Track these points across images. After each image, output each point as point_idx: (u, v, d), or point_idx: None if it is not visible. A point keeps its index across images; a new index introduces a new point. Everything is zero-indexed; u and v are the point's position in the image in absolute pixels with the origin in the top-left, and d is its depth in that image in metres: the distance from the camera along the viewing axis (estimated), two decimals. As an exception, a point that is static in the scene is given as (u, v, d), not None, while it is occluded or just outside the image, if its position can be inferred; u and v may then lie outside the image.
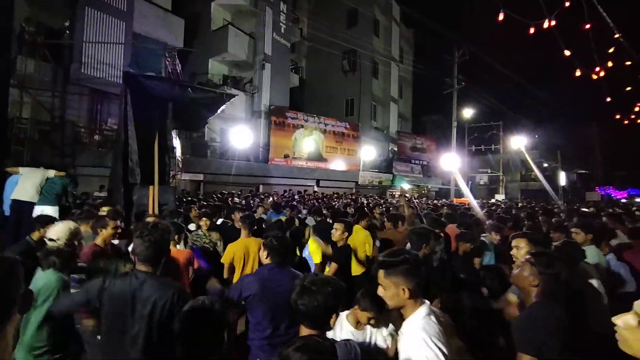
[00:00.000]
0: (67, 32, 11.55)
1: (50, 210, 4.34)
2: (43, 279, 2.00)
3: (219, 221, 4.73)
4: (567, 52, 7.79)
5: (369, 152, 20.99)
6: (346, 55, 21.24)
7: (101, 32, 11.49)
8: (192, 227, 4.61)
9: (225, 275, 3.27)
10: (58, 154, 9.99)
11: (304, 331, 1.35)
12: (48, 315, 1.93)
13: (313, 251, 3.56)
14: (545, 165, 30.54)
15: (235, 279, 3.06)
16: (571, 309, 1.67)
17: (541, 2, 6.56)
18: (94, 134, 11.84)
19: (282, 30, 18.03)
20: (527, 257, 1.78)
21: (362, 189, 19.99)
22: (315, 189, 17.19)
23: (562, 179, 27.70)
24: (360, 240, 4.00)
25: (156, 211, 4.40)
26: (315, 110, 20.35)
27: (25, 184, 4.64)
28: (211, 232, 4.06)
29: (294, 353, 0.95)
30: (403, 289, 1.38)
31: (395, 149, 23.85)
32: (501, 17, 6.82)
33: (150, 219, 2.88)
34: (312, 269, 3.61)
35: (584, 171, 34.58)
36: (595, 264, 3.01)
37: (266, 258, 2.26)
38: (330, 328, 1.42)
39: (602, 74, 8.71)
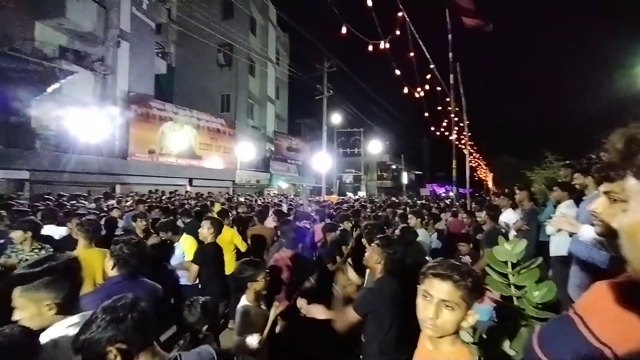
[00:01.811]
0: None
1: None
2: None
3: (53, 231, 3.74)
4: (397, 72, 9.74)
5: (246, 150, 20.74)
6: (221, 48, 20.30)
7: None
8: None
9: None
10: None
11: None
12: None
13: (188, 247, 3.41)
14: (394, 167, 37.46)
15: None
16: (409, 281, 2.14)
17: (377, 26, 7.93)
18: None
19: (144, 6, 15.74)
20: (375, 241, 2.22)
21: (239, 188, 19.57)
22: (188, 188, 15.79)
23: (405, 178, 34.50)
24: (227, 239, 4.01)
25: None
26: (187, 103, 18.66)
27: None
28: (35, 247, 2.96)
29: None
30: (48, 305, 1.19)
31: (272, 149, 24.39)
32: (344, 30, 7.81)
33: None
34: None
35: (419, 172, 44.34)
36: (424, 242, 3.99)
37: (112, 269, 1.91)
38: None
39: (422, 93, 11.34)
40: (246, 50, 21.04)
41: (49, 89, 4.38)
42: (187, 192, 13.99)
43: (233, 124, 20.15)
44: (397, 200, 14.38)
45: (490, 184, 36.98)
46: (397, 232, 3.71)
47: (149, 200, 8.65)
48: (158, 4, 17.97)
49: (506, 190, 7.92)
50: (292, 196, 17.05)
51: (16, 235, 2.92)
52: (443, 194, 34.27)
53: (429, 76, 11.30)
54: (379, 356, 1.92)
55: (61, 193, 8.80)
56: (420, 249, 3.56)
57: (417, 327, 1.11)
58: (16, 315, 1.21)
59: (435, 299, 1.02)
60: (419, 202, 13.31)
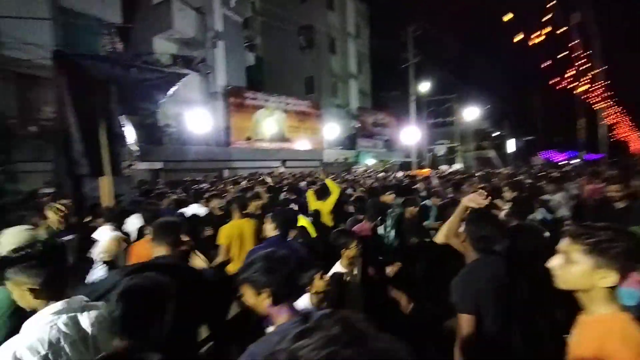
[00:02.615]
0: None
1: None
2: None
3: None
4: (505, 18, 8.13)
5: (332, 129, 21.04)
6: (302, 31, 20.61)
7: (21, 7, 10.05)
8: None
9: (223, 258, 3.22)
10: (-13, 150, 8.88)
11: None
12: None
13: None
14: (496, 134, 32.81)
15: (233, 261, 3.17)
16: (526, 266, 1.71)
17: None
18: (28, 125, 10.60)
19: (233, 5, 16.97)
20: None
21: (328, 166, 20.16)
22: (282, 169, 17.04)
23: (511, 145, 29.88)
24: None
25: (112, 202, 4.12)
26: (275, 89, 19.79)
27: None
28: None
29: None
30: (27, 289, 1.21)
31: (358, 125, 24.13)
32: None
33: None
34: None
35: (529, 137, 37.72)
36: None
37: (273, 230, 2.45)
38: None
39: (538, 40, 9.28)
40: (325, 29, 20.88)
41: (170, 92, 5.14)
42: (280, 173, 15.12)
43: (318, 105, 20.59)
44: (494, 172, 12.60)
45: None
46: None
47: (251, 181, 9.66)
48: (243, 0, 19.15)
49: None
50: (380, 172, 16.71)
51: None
52: (563, 162, 28.63)
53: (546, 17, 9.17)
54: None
55: (186, 179, 10.63)
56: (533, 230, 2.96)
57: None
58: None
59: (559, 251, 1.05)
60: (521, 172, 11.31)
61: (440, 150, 30.51)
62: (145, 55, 12.98)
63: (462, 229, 1.87)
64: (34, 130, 10.55)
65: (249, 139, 17.09)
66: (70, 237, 3.29)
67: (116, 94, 4.68)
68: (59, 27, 10.75)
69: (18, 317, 1.41)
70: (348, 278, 2.34)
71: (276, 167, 17.47)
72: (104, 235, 2.99)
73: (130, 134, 7.87)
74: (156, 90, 5.24)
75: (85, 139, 4.22)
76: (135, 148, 10.09)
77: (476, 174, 9.60)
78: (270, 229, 2.54)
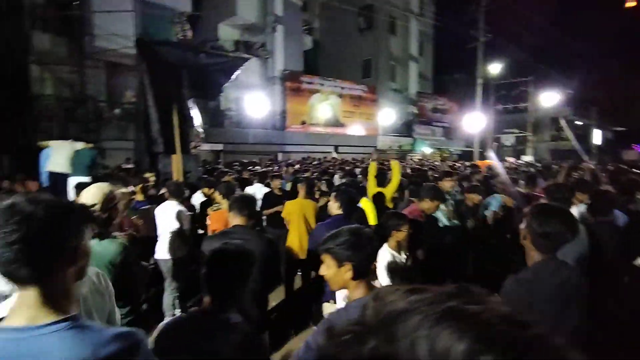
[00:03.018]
0: (76, 1, 11.36)
1: (86, 180, 4.52)
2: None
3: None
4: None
5: (387, 115, 20.33)
6: (362, 11, 19.90)
7: (109, 1, 11.23)
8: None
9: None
10: (84, 130, 10.28)
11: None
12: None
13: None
14: (579, 123, 28.63)
15: (291, 233, 3.50)
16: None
17: None
18: (115, 108, 12.03)
19: (293, -13, 16.99)
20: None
21: (381, 153, 19.64)
22: (334, 155, 17.05)
23: (597, 137, 26.02)
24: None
25: (181, 178, 4.50)
26: (331, 73, 19.61)
27: (57, 156, 4.82)
28: None
29: None
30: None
31: (416, 111, 22.95)
32: None
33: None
34: None
35: (621, 128, 32.18)
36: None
37: (338, 209, 2.54)
38: None
39: None
40: (387, 7, 19.87)
41: (233, 76, 5.41)
42: (333, 158, 15.15)
43: (374, 89, 19.97)
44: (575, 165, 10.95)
45: None
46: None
47: (303, 165, 9.85)
48: (304, -18, 19.03)
49: None
50: (437, 162, 15.80)
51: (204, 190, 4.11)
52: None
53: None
54: None
55: (242, 160, 11.24)
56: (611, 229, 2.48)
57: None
58: None
59: None
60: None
61: (508, 140, 27.75)
62: (212, 41, 13.73)
63: (523, 224, 1.59)
64: (119, 112, 11.95)
65: (303, 123, 17.32)
66: (147, 206, 3.69)
67: (187, 79, 5.03)
68: (139, 18, 11.81)
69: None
70: (395, 259, 2.31)
71: (328, 152, 17.54)
72: (170, 209, 3.27)
73: (196, 116, 8.50)
74: (221, 74, 5.54)
75: (161, 119, 4.63)
76: (200, 130, 10.90)
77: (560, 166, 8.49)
78: (334, 207, 2.62)
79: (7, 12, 5.96)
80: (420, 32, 23.38)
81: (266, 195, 4.51)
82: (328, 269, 1.29)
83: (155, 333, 1.17)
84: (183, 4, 13.36)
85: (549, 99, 22.64)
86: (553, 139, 28.95)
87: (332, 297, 2.17)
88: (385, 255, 2.29)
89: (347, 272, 1.24)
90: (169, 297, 3.23)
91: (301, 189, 3.75)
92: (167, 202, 3.37)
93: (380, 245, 2.28)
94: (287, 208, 3.67)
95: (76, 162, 4.90)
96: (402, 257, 2.38)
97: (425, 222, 2.96)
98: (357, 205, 2.93)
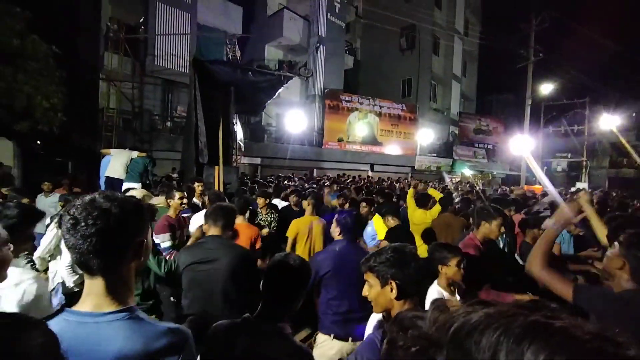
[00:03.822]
0: (142, 27, 12.68)
1: (136, 187, 4.88)
2: None
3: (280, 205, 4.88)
4: None
5: (426, 135, 19.85)
6: (404, 31, 19.98)
7: (170, 25, 12.40)
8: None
9: (288, 249, 3.35)
10: (138, 140, 11.22)
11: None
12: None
13: (378, 227, 3.53)
14: (644, 148, 25.85)
15: (299, 252, 3.20)
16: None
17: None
18: (167, 121, 13.03)
19: (337, 10, 17.56)
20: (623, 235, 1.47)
21: (418, 174, 19.11)
22: (370, 173, 16.88)
23: (666, 165, 23.22)
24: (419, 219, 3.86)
25: (221, 189, 4.68)
26: (370, 92, 19.70)
27: (115, 163, 5.28)
28: (268, 211, 4.20)
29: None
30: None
31: (456, 132, 22.18)
32: None
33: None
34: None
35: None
36: None
37: (338, 235, 2.31)
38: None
39: None
40: (430, 28, 19.79)
41: (276, 94, 5.66)
42: (368, 176, 14.99)
43: (414, 109, 19.69)
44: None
45: None
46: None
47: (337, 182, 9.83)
48: (347, 5, 19.64)
49: None
50: (480, 186, 15.00)
51: (259, 200, 4.15)
52: None
53: None
54: None
55: (280, 174, 11.51)
56: None
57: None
58: None
59: None
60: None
61: (560, 164, 25.73)
62: (258, 61, 14.55)
63: (613, 251, 1.43)
64: (170, 125, 12.92)
65: (340, 140, 17.44)
66: (187, 214, 3.86)
67: (234, 95, 5.33)
68: (195, 39, 12.89)
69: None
70: (448, 301, 2.00)
71: (364, 170, 17.40)
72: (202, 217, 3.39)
73: (239, 131, 8.93)
74: (265, 92, 5.80)
75: (208, 133, 4.91)
76: (241, 144, 11.42)
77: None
78: (336, 233, 2.36)
79: (86, 35, 6.80)
80: (464, 51, 22.90)
81: (285, 208, 4.52)
82: (371, 288, 1.25)
83: (210, 332, 1.21)
84: (234, 27, 14.40)
85: (608, 122, 20.73)
86: (612, 166, 26.36)
87: (325, 329, 2.10)
88: (432, 294, 1.98)
89: (391, 290, 1.20)
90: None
91: (308, 205, 3.46)
92: (203, 210, 3.50)
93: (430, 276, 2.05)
94: (292, 228, 3.34)
95: (130, 170, 5.33)
96: (456, 298, 2.01)
97: (484, 253, 2.36)
98: (361, 229, 2.71)
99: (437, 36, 20.79)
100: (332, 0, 17.16)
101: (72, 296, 2.41)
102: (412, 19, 18.52)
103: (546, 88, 18.24)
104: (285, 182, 9.87)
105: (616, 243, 1.46)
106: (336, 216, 2.40)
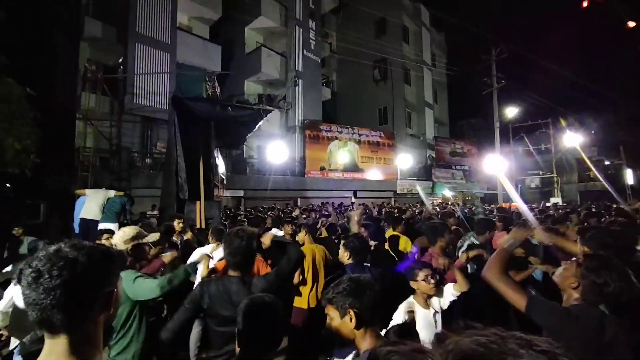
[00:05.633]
0: (121, 67, 12.82)
1: (112, 227, 4.71)
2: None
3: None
4: (631, 24, 6.89)
5: (405, 160, 20.46)
6: (377, 64, 21.19)
7: (149, 64, 12.61)
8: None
9: (296, 281, 3.23)
10: (116, 178, 10.94)
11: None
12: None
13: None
14: (607, 163, 27.66)
15: (307, 281, 3.19)
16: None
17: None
18: (146, 158, 12.85)
19: (312, 47, 18.50)
20: (578, 257, 1.56)
21: (400, 198, 19.43)
22: (353, 200, 17.00)
23: (629, 177, 24.83)
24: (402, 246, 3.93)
25: (203, 225, 4.60)
26: (348, 121, 20.39)
27: (91, 204, 5.11)
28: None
29: None
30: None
31: (434, 156, 23.01)
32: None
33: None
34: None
35: (655, 167, 30.70)
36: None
37: (348, 259, 2.35)
38: None
39: None
40: (400, 60, 21.11)
41: (256, 127, 5.77)
42: (352, 203, 15.08)
43: (392, 135, 20.42)
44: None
45: None
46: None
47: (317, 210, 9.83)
48: (322, 41, 20.75)
49: None
50: (460, 205, 15.37)
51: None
52: None
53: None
54: None
55: (263, 206, 11.41)
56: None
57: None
58: None
59: None
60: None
61: (533, 181, 26.89)
62: (237, 96, 14.89)
63: (569, 268, 1.52)
64: (149, 162, 12.73)
65: (322, 169, 17.66)
66: (169, 253, 3.74)
67: (214, 130, 5.40)
68: (174, 77, 13.11)
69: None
70: (422, 315, 2.05)
71: (347, 197, 17.53)
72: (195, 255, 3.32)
73: (221, 164, 8.93)
74: (245, 126, 5.91)
75: (188, 168, 4.89)
76: (223, 177, 11.35)
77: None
78: (345, 257, 2.42)
79: (63, 77, 6.81)
80: (434, 80, 24.38)
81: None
82: (332, 320, 1.25)
83: None
84: (214, 65, 14.81)
85: (571, 139, 22.23)
86: (581, 180, 27.84)
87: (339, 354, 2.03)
88: (401, 307, 2.04)
89: (350, 320, 1.20)
90: (195, 334, 3.23)
91: (305, 235, 3.52)
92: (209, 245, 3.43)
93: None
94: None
95: (107, 209, 5.17)
96: (430, 312, 2.08)
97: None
98: (368, 252, 2.73)
99: (408, 67, 22.14)
100: (307, 38, 18.12)
101: (34, 355, 2.23)
102: (383, 53, 19.75)
103: (511, 111, 19.55)
104: (269, 212, 9.73)
105: (572, 260, 1.55)
106: (343, 241, 2.50)
